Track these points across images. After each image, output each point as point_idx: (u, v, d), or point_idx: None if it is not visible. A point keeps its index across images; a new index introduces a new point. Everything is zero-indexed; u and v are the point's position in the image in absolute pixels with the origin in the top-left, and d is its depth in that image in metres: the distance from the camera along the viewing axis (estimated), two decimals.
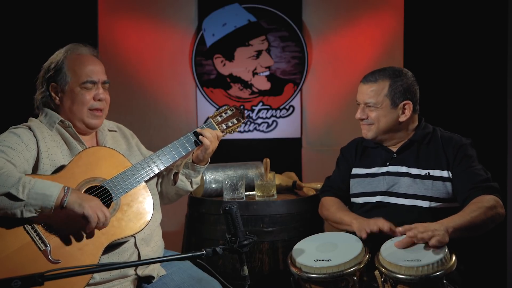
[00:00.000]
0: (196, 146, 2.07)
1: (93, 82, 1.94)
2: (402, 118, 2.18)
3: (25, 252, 1.70)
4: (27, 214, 1.69)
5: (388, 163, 2.23)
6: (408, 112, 2.18)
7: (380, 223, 1.99)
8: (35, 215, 1.70)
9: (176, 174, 2.13)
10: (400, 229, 1.91)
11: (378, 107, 2.17)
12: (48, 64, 1.97)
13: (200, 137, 2.04)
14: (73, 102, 1.93)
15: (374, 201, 2.20)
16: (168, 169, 2.14)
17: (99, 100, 1.96)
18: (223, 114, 2.14)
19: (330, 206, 2.32)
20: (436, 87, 3.57)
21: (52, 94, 1.95)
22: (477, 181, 2.05)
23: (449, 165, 2.13)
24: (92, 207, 1.74)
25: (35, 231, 1.73)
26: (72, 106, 1.93)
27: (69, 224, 1.77)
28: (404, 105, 2.17)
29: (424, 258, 1.76)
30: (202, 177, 2.61)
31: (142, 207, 1.91)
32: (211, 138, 2.04)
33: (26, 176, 1.71)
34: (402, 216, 2.11)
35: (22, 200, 1.66)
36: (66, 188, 1.72)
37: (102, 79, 1.97)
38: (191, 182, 2.16)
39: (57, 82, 1.93)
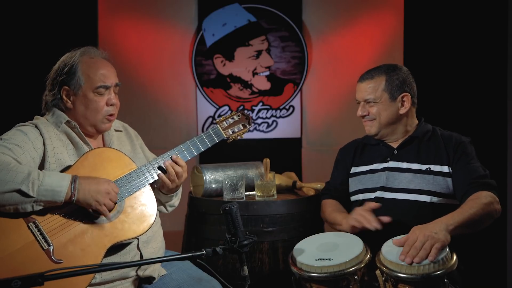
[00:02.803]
0: (203, 149, 2.05)
1: (107, 87, 1.93)
2: (402, 111, 2.22)
3: (28, 251, 1.70)
4: (37, 208, 1.71)
5: (388, 159, 2.25)
6: (407, 104, 2.22)
7: (357, 218, 2.04)
8: (45, 207, 1.72)
9: None
10: (397, 242, 1.89)
11: (378, 102, 2.21)
12: (60, 66, 1.94)
13: (160, 174, 1.95)
14: (86, 107, 1.92)
15: (374, 197, 2.21)
16: None
17: (111, 105, 1.96)
18: (230, 120, 2.12)
19: (327, 207, 2.36)
20: (437, 87, 3.57)
21: (64, 97, 1.93)
22: (475, 177, 2.08)
23: (449, 161, 2.15)
24: (99, 201, 1.75)
25: (39, 230, 1.73)
26: (86, 112, 1.92)
27: (74, 222, 1.77)
28: (402, 97, 2.22)
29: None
30: (202, 178, 2.61)
31: (146, 209, 1.90)
32: (173, 176, 1.95)
33: (34, 171, 1.71)
34: (403, 211, 2.12)
35: (32, 197, 1.67)
36: (73, 184, 1.73)
37: (114, 83, 1.97)
38: (165, 206, 2.16)
39: (69, 86, 1.91)
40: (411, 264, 1.75)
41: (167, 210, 2.18)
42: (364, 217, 2.02)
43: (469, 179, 2.08)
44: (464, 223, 1.90)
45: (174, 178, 1.97)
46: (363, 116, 2.27)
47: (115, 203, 1.84)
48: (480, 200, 1.98)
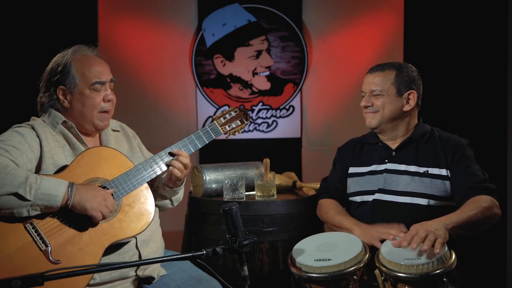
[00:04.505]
0: (200, 146, 2.05)
1: (102, 82, 1.93)
2: (406, 108, 2.22)
3: (26, 252, 1.70)
4: (33, 213, 1.71)
5: (386, 161, 2.24)
6: (412, 102, 2.22)
7: (385, 234, 1.98)
8: (40, 212, 1.72)
9: (155, 191, 2.10)
10: (396, 242, 1.88)
11: (384, 94, 2.21)
12: (53, 66, 1.94)
13: (171, 168, 1.95)
14: (83, 105, 1.92)
15: (372, 199, 2.21)
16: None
17: (108, 101, 1.96)
18: (227, 116, 2.11)
19: (329, 209, 2.33)
20: (437, 87, 3.57)
21: (60, 97, 1.93)
22: (474, 181, 2.07)
23: (448, 164, 2.15)
24: (94, 208, 1.75)
25: (36, 231, 1.73)
26: (83, 109, 1.93)
27: (71, 222, 1.77)
28: (408, 94, 2.21)
29: (424, 256, 1.76)
30: (202, 178, 2.61)
31: (144, 208, 1.90)
32: (181, 168, 1.96)
33: (32, 175, 1.71)
34: (400, 214, 2.12)
35: (29, 201, 1.67)
36: (70, 188, 1.73)
37: (109, 78, 1.97)
38: (171, 201, 2.15)
39: (65, 85, 1.92)
40: (415, 248, 1.76)
41: (173, 204, 2.17)
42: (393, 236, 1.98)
43: (468, 183, 2.07)
44: (462, 224, 1.90)
45: (182, 170, 1.96)
46: (366, 107, 2.25)
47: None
48: (480, 203, 1.98)
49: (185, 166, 1.97)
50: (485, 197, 2.01)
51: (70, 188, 1.73)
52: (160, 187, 2.08)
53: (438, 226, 1.84)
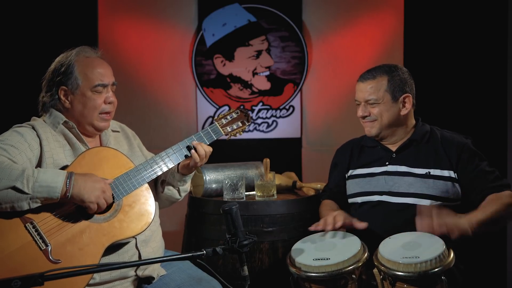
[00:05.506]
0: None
1: (104, 85, 1.94)
2: (404, 112, 2.21)
3: (26, 251, 1.71)
4: (34, 205, 1.71)
5: (387, 163, 2.24)
6: (408, 105, 2.21)
7: (331, 219, 2.07)
8: (41, 204, 1.72)
9: (163, 182, 2.12)
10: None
11: (380, 102, 2.19)
12: (57, 66, 1.95)
13: (192, 151, 1.99)
14: (84, 106, 1.93)
15: (373, 200, 2.21)
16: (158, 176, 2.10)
17: (109, 103, 1.97)
18: (228, 117, 2.11)
19: (322, 208, 2.37)
20: (437, 87, 3.57)
21: (62, 97, 1.94)
22: (490, 179, 2.09)
23: (453, 166, 2.14)
24: (92, 200, 1.75)
25: (36, 230, 1.73)
26: (83, 110, 1.93)
27: (71, 222, 1.78)
28: (404, 98, 2.20)
29: (422, 255, 1.77)
30: (202, 178, 2.62)
31: (144, 208, 1.91)
32: (202, 156, 1.99)
33: (28, 168, 1.71)
34: (403, 215, 2.11)
35: (27, 194, 1.68)
36: (68, 180, 1.73)
37: (111, 81, 1.98)
38: (178, 191, 2.16)
39: (67, 86, 1.92)
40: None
41: (180, 195, 2.17)
42: (325, 220, 2.07)
43: (484, 182, 2.09)
44: (486, 221, 1.94)
45: (202, 157, 1.99)
46: (363, 117, 2.25)
47: (112, 203, 1.84)
48: (502, 200, 2.02)
49: (206, 153, 2.00)
50: (506, 193, 2.05)
51: (68, 180, 1.73)
52: (168, 175, 2.08)
53: (464, 226, 1.88)
